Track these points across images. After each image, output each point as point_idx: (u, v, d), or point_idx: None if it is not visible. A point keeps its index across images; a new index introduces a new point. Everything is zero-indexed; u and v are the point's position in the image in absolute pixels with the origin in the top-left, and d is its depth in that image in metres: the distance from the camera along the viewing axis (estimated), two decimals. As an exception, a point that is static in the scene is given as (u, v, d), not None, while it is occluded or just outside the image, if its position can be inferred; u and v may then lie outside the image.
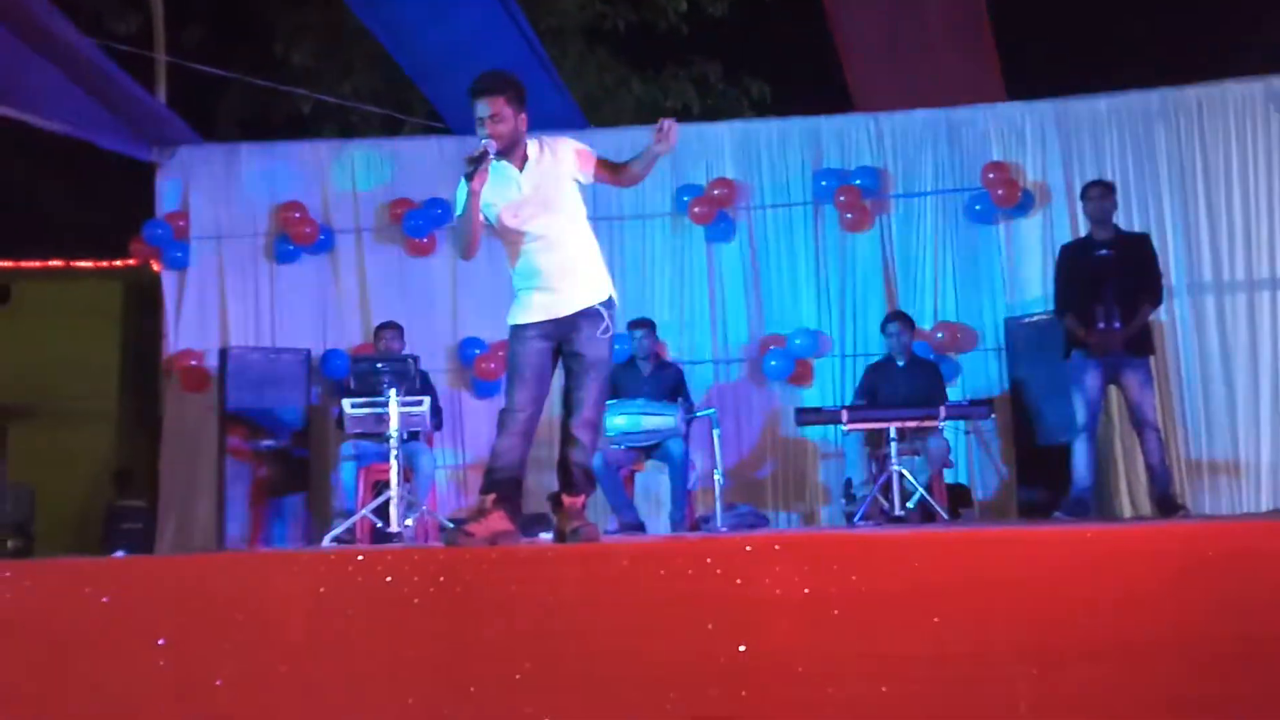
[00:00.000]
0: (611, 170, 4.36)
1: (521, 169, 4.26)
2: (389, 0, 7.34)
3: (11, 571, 2.87)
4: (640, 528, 6.58)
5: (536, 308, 4.27)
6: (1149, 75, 7.91)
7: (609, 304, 4.32)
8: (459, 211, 4.26)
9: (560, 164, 4.28)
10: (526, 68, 6.76)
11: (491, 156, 4.15)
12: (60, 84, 7.08)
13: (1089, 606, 2.54)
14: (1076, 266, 6.25)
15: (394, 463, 5.93)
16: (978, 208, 7.81)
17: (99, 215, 11.90)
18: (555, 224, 4.25)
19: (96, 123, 7.68)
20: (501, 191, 4.24)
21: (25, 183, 13.45)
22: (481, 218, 4.24)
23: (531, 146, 4.31)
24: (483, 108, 4.18)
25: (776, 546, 2.66)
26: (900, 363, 7.09)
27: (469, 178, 4.13)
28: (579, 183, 4.33)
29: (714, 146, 8.21)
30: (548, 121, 6.54)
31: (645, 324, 7.07)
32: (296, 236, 8.11)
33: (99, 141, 7.91)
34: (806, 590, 2.59)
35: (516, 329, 4.31)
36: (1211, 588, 2.57)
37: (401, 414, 6.03)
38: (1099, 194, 6.30)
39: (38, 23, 6.49)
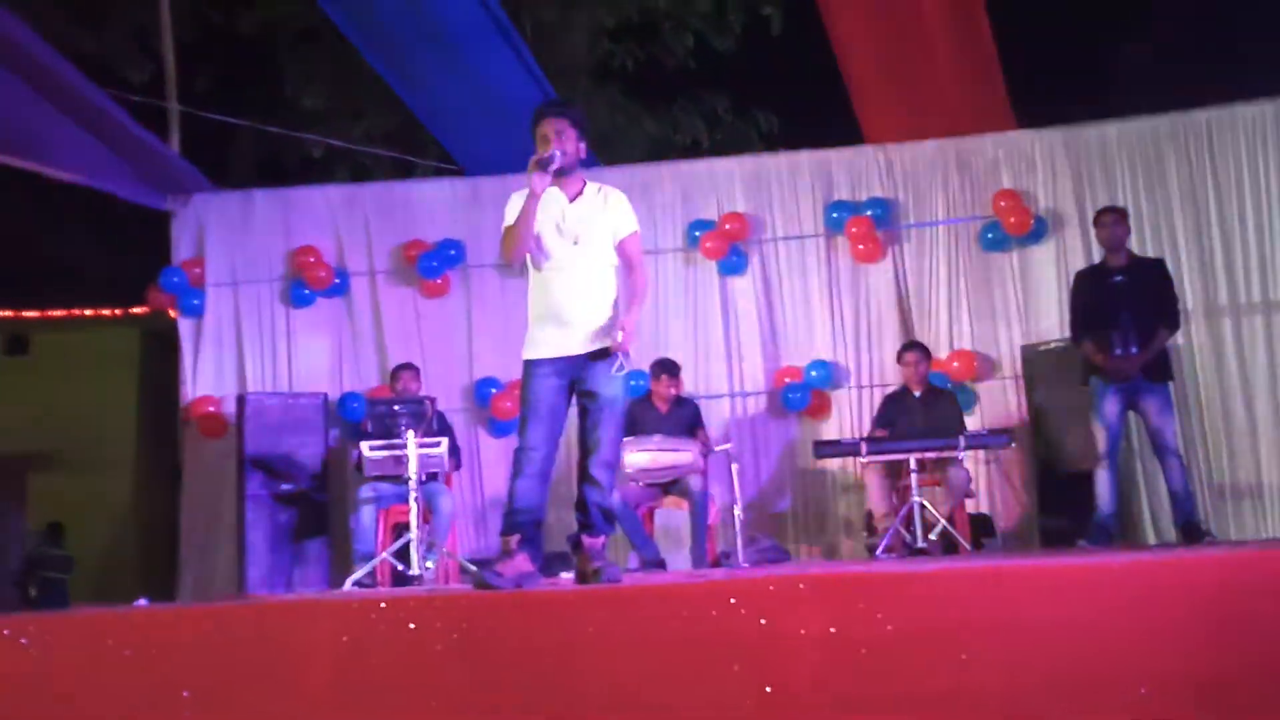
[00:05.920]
0: (627, 266, 4.37)
1: (572, 201, 4.31)
2: (399, 47, 7.42)
3: (34, 625, 2.87)
4: (661, 564, 6.55)
5: (549, 343, 4.26)
6: (1158, 100, 7.90)
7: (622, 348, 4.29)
8: (510, 222, 4.25)
9: (609, 213, 4.33)
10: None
11: (556, 164, 4.17)
12: (75, 135, 7.14)
13: (1119, 639, 2.52)
14: (1092, 293, 6.23)
15: (413, 504, 5.92)
16: (990, 236, 7.80)
17: (115, 264, 11.99)
18: (582, 258, 4.26)
19: (112, 173, 7.73)
20: (547, 211, 4.27)
21: (41, 233, 13.55)
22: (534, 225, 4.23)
23: (590, 185, 4.37)
24: (548, 125, 4.25)
25: (800, 585, 2.64)
26: (917, 393, 7.07)
27: (541, 169, 4.13)
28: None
29: (724, 181, 8.24)
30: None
31: (671, 368, 7.00)
32: (311, 280, 8.15)
33: (114, 191, 7.95)
34: (832, 629, 2.57)
35: (529, 364, 4.28)
36: (1243, 618, 2.54)
37: (420, 455, 6.03)
38: (1111, 220, 6.27)
39: (52, 76, 6.56)
